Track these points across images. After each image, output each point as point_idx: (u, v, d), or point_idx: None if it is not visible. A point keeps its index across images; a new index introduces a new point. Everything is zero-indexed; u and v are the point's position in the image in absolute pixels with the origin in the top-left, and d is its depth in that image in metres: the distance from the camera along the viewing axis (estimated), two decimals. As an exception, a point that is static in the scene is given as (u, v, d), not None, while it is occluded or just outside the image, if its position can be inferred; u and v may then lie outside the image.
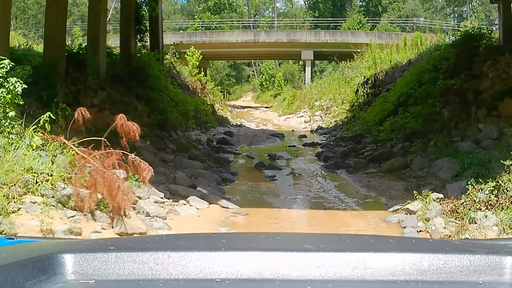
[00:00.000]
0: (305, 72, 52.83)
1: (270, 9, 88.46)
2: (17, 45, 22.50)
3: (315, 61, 57.30)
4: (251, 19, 79.60)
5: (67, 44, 18.87)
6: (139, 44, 22.53)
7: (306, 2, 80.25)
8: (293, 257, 1.84)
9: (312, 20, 68.71)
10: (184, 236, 3.30)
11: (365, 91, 28.16)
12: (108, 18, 66.10)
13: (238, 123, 33.17)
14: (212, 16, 73.29)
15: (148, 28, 23.40)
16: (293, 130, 30.76)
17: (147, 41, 24.17)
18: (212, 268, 1.79)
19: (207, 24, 66.18)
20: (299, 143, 23.83)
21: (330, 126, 30.10)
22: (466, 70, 17.17)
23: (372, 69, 32.85)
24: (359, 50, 38.87)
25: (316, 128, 30.49)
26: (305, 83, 49.65)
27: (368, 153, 17.59)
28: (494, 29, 26.20)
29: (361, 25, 63.49)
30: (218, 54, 55.68)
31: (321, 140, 24.58)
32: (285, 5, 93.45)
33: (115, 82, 18.13)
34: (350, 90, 32.95)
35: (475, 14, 77.51)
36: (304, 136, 26.28)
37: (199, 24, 67.05)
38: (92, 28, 18.41)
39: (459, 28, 40.57)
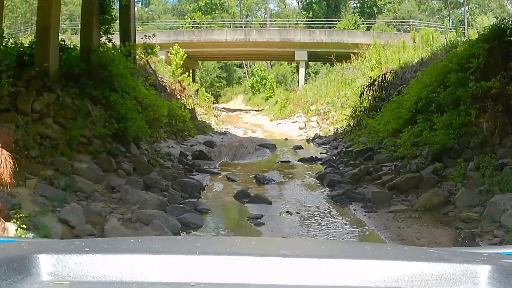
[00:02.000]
0: (298, 74, 48.60)
1: (262, 10, 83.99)
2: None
3: (309, 63, 52.69)
4: (243, 20, 75.09)
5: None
6: (104, 37, 18.11)
7: (300, 3, 76.28)
8: (268, 262, 1.77)
9: (306, 21, 64.41)
10: (160, 239, 3.48)
11: (371, 94, 23.31)
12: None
13: (223, 130, 28.20)
14: (203, 16, 69.05)
15: (114, 18, 19.08)
16: (286, 139, 25.96)
17: (114, 34, 19.44)
18: (187, 271, 1.69)
19: (198, 24, 61.69)
20: (294, 156, 18.97)
21: (329, 134, 25.32)
22: (502, 70, 13.05)
23: (377, 70, 28.17)
24: (356, 51, 34.76)
25: (313, 136, 25.63)
26: (298, 85, 45.65)
27: (387, 177, 12.89)
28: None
29: (356, 26, 60.19)
30: (207, 54, 51.47)
31: (321, 153, 19.78)
32: (278, 6, 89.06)
33: (70, 82, 14.79)
34: (351, 93, 28.24)
35: (472, 17, 73.69)
36: (300, 147, 21.34)
37: (189, 24, 62.45)
38: (41, 19, 14.80)
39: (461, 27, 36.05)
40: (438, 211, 10.03)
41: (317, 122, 29.40)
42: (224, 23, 61.68)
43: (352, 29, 54.39)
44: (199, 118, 26.53)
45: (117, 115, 15.17)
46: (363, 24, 62.12)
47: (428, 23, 60.59)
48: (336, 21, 61.20)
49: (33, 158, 11.23)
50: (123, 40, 20.32)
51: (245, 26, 62.13)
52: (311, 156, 17.84)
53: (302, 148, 21.14)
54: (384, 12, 74.78)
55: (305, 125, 29.79)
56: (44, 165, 11.23)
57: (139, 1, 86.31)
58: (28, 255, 1.72)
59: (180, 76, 32.64)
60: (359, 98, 24.83)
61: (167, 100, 21.81)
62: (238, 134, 27.52)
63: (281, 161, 17.52)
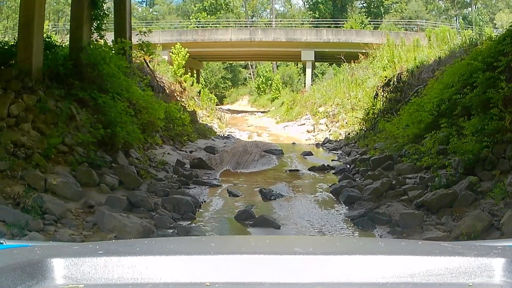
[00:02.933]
0: (305, 75, 46.46)
1: (268, 10, 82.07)
2: None
3: (315, 63, 50.71)
4: (249, 20, 73.06)
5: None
6: (95, 34, 16.19)
7: (306, 3, 74.32)
8: (282, 260, 1.75)
9: (312, 21, 62.47)
10: (174, 240, 3.48)
11: (385, 95, 21.27)
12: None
13: (227, 134, 26.07)
14: (208, 16, 67.33)
15: (107, 13, 17.13)
16: (293, 143, 23.91)
17: (106, 30, 17.68)
18: (202, 271, 1.68)
19: (203, 24, 59.76)
20: (303, 164, 16.95)
21: (340, 138, 23.31)
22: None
23: (389, 69, 26.09)
24: (364, 51, 32.71)
25: (322, 141, 23.59)
26: (305, 86, 43.72)
27: (414, 193, 10.82)
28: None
29: (363, 25, 58.45)
30: (211, 54, 49.56)
31: (332, 160, 17.76)
32: (283, 6, 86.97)
33: (55, 82, 13.24)
34: (363, 94, 26.15)
35: (480, 17, 71.69)
36: (309, 153, 19.28)
37: (194, 24, 60.54)
38: (24, 12, 13.34)
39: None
40: (482, 240, 7.99)
41: (326, 125, 27.39)
42: (229, 24, 59.70)
43: (359, 29, 52.62)
44: (200, 121, 24.51)
45: (105, 119, 13.39)
46: (370, 24, 60.21)
47: (435, 23, 58.83)
48: (342, 21, 59.40)
49: (0, 172, 9.38)
50: (118, 37, 18.58)
51: (250, 26, 60.16)
52: (323, 165, 15.79)
53: (312, 154, 19.10)
54: (391, 12, 73.38)
55: (314, 128, 27.76)
56: (12, 180, 9.36)
57: (143, 1, 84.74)
58: (41, 259, 1.68)
59: (182, 76, 30.76)
60: (372, 100, 22.87)
61: (165, 102, 19.85)
62: (243, 137, 25.51)
63: (289, 170, 15.48)
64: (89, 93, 13.71)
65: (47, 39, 14.81)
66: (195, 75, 51.70)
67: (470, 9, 76.70)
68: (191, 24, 61.52)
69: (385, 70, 26.87)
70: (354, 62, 32.82)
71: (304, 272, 1.66)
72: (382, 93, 21.42)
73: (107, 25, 18.46)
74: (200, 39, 44.90)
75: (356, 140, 20.38)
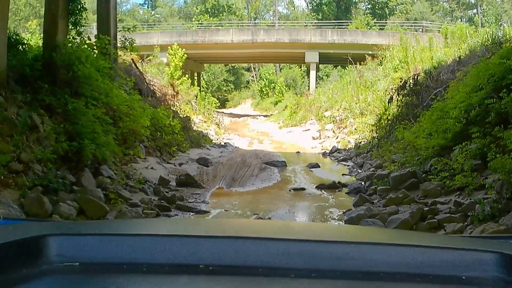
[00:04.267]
0: (309, 77, 43.91)
1: (271, 12, 79.47)
2: None
3: (320, 65, 48.21)
4: (251, 22, 70.57)
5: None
6: (73, 30, 14.07)
7: (309, 4, 71.96)
8: (277, 246, 1.71)
9: (316, 23, 60.19)
10: (169, 220, 3.90)
11: (401, 99, 18.62)
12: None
13: (224, 141, 23.30)
14: (211, 18, 65.31)
15: (85, 7, 14.88)
16: (298, 152, 21.26)
17: (84, 26, 15.61)
18: (196, 253, 1.64)
19: (205, 26, 57.28)
20: (310, 180, 14.32)
21: (349, 146, 20.63)
22: None
23: (402, 70, 23.57)
24: (371, 52, 30.65)
25: (330, 149, 20.84)
26: (309, 89, 41.41)
27: (453, 226, 8.29)
28: None
29: (369, 27, 56.93)
30: (212, 56, 47.19)
31: (343, 174, 15.15)
32: (286, 8, 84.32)
33: (21, 86, 11.23)
34: (374, 97, 23.50)
35: (485, 18, 69.53)
36: (316, 165, 16.55)
37: (196, 26, 58.08)
38: None
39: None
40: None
41: (333, 131, 24.74)
42: (231, 26, 57.15)
43: (366, 30, 50.37)
44: (195, 128, 21.84)
45: (72, 130, 10.97)
46: (375, 25, 58.61)
47: (441, 24, 56.65)
48: (347, 22, 57.42)
49: None
50: (100, 33, 16.18)
51: (252, 27, 57.60)
52: (333, 182, 13.06)
53: (319, 167, 16.40)
54: (396, 14, 71.96)
55: (320, 135, 25.08)
56: None
57: (145, 4, 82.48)
58: (37, 237, 1.65)
59: (179, 79, 28.19)
60: (384, 104, 20.23)
61: (154, 107, 17.27)
62: (242, 145, 22.84)
63: (294, 189, 12.71)
64: (59, 98, 11.38)
65: (15, 37, 12.70)
66: (195, 77, 49.61)
67: (475, 10, 74.87)
68: (193, 26, 59.04)
69: (396, 72, 24.29)
70: (360, 64, 30.28)
71: (298, 258, 1.63)
72: (397, 97, 18.71)
73: (87, 20, 16.12)
74: (200, 40, 42.59)
75: (369, 149, 17.72)
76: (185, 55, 31.09)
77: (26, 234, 1.70)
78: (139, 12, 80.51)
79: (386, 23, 61.07)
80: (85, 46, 13.83)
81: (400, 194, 10.49)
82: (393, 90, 19.40)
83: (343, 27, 51.50)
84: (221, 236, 1.79)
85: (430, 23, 55.83)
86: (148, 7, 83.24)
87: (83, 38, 14.16)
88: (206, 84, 60.83)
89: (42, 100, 11.12)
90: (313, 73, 41.79)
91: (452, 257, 1.63)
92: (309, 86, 43.47)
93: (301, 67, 58.99)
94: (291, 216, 9.95)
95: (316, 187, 12.85)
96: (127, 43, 16.70)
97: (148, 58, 27.52)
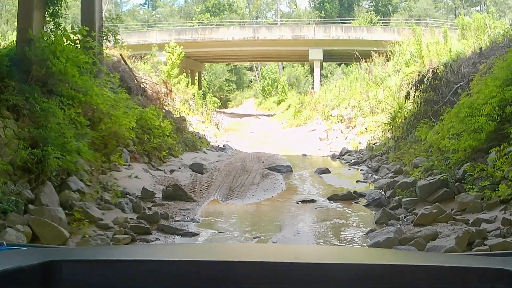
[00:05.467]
0: (312, 76, 41.79)
1: (273, 11, 77.40)
2: None
3: (323, 63, 46.06)
4: (253, 21, 68.40)
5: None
6: (51, 22, 12.65)
7: (312, 2, 70.18)
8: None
9: (318, 21, 58.04)
10: (176, 246, 3.91)
11: (418, 95, 16.49)
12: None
13: (224, 143, 21.03)
14: (212, 17, 63.27)
15: None
16: (304, 154, 19.10)
17: (65, 17, 14.20)
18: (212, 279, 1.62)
19: (206, 25, 55.23)
20: (320, 188, 12.18)
21: (360, 148, 18.47)
22: None
23: (415, 65, 21.35)
24: (376, 48, 28.82)
25: (340, 152, 18.62)
26: (313, 88, 39.58)
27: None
28: None
29: (372, 24, 54.42)
30: (213, 55, 45.07)
31: (357, 181, 12.96)
32: (288, 6, 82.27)
33: None
34: (385, 94, 21.33)
35: (489, 15, 67.64)
36: (326, 170, 14.33)
37: (197, 25, 56.05)
38: None
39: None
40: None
41: (341, 131, 22.57)
42: (233, 24, 55.06)
43: (370, 26, 48.54)
44: (191, 129, 19.65)
45: (37, 134, 8.97)
46: (379, 22, 56.71)
47: (445, 22, 54.82)
48: (349, 20, 55.47)
49: None
50: (85, 25, 14.17)
51: (254, 24, 55.55)
52: (349, 192, 10.87)
53: (329, 172, 14.18)
54: (399, 11, 70.71)
55: (327, 135, 22.91)
56: None
57: (145, 4, 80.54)
58: (42, 263, 1.59)
59: (177, 77, 26.14)
60: (398, 101, 18.14)
61: (145, 106, 15.19)
62: (243, 147, 20.63)
63: (302, 201, 10.44)
64: (27, 98, 9.58)
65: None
66: (196, 77, 47.52)
67: (478, 7, 72.98)
68: (193, 25, 57.04)
69: (408, 66, 22.13)
70: (366, 61, 28.13)
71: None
72: (415, 93, 16.55)
73: (67, 11, 14.18)
74: (200, 38, 40.64)
75: (384, 152, 15.55)
76: (183, 53, 29.05)
77: (31, 260, 1.62)
78: (139, 12, 78.63)
79: (389, 20, 59.62)
80: (62, 39, 11.84)
81: (434, 210, 8.36)
82: (410, 86, 17.22)
83: (346, 24, 49.61)
84: (216, 259, 1.79)
85: (434, 20, 53.92)
86: (148, 7, 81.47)
87: (61, 30, 12.26)
88: (207, 84, 59.03)
89: (6, 100, 9.25)
90: (317, 71, 39.80)
91: (457, 276, 1.57)
92: (313, 84, 41.65)
93: (304, 66, 57.06)
94: (300, 239, 7.76)
95: (328, 198, 10.65)
96: (110, 34, 14.57)
97: (146, 57, 25.53)
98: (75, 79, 11.64)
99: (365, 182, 12.74)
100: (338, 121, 23.94)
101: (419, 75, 17.46)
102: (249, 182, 12.06)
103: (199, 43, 40.10)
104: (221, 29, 43.09)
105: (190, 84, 29.53)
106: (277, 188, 11.78)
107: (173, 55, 28.25)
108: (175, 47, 28.84)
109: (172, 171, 12.88)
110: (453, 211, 8.60)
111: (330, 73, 54.02)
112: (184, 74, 28.43)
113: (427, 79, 16.46)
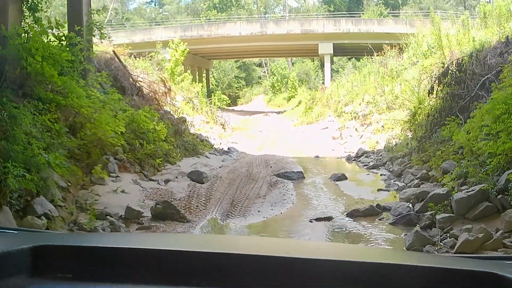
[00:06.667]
0: (323, 71, 40.09)
1: (281, 6, 75.52)
2: None
3: (333, 58, 44.36)
4: (261, 17, 66.64)
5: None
6: (30, 18, 11.20)
7: (320, -4, 68.45)
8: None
9: (328, 15, 56.31)
10: (170, 235, 3.73)
11: (441, 89, 14.64)
12: (107, 19, 54.98)
13: (229, 146, 19.11)
14: (219, 14, 61.56)
15: None
16: (317, 157, 17.22)
17: (46, 11, 12.77)
18: (189, 269, 1.55)
19: (213, 22, 53.60)
20: (337, 200, 10.35)
21: (378, 148, 16.66)
22: None
23: (433, 56, 19.46)
24: (388, 42, 26.98)
25: (356, 153, 16.74)
26: (323, 83, 37.73)
27: None
28: None
29: (382, 17, 52.29)
30: (220, 51, 43.43)
31: (379, 189, 11.09)
32: (297, 1, 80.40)
33: None
34: (402, 88, 19.49)
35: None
36: (342, 177, 12.44)
37: (205, 22, 54.42)
38: None
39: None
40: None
41: (356, 129, 20.74)
42: (240, 19, 53.31)
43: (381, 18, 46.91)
44: (193, 130, 17.86)
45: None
46: (389, 15, 55.01)
47: (455, 13, 52.99)
48: (359, 14, 54.44)
49: None
50: (72, 24, 12.87)
51: (261, 18, 53.81)
52: (371, 206, 9.03)
53: (346, 179, 12.35)
54: (409, 3, 68.49)
55: (340, 134, 21.09)
56: None
57: (152, 2, 78.98)
58: (29, 247, 1.53)
59: (181, 75, 24.45)
60: (417, 96, 16.31)
61: (139, 108, 13.46)
62: (250, 149, 18.83)
63: (316, 219, 8.59)
64: None
65: None
66: (204, 75, 45.85)
67: (488, -1, 70.98)
68: (201, 22, 55.44)
69: (427, 58, 20.26)
70: (378, 54, 26.30)
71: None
72: (439, 87, 14.69)
73: (48, 4, 12.60)
74: (206, 34, 39.01)
75: (407, 153, 13.70)
76: (187, 49, 27.30)
77: (19, 244, 1.55)
78: (146, 10, 77.03)
79: (399, 13, 57.48)
80: (40, 36, 10.28)
81: (480, 234, 6.60)
82: (432, 79, 15.38)
83: (357, 17, 47.95)
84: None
85: (444, 12, 52.11)
86: (155, 5, 79.93)
87: (41, 26, 10.69)
88: (216, 81, 57.54)
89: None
90: (327, 66, 38.15)
91: (445, 277, 1.52)
92: (323, 80, 39.95)
93: (313, 61, 55.30)
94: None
95: (347, 214, 8.84)
96: (95, 28, 12.85)
97: (150, 55, 23.88)
98: (54, 79, 10.01)
99: (388, 190, 10.94)
100: (352, 118, 22.14)
101: (443, 66, 15.60)
102: (255, 194, 10.29)
103: (205, 39, 38.54)
104: (228, 24, 41.37)
105: (196, 81, 27.80)
106: (287, 201, 9.99)
107: (176, 51, 26.53)
108: (179, 43, 27.11)
109: (167, 181, 11.13)
110: (499, 232, 6.86)
111: (341, 67, 52.22)
112: (189, 71, 26.66)
113: (451, 72, 14.60)
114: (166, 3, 77.30)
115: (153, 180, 11.03)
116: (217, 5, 65.79)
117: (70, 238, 2.11)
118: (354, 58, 47.79)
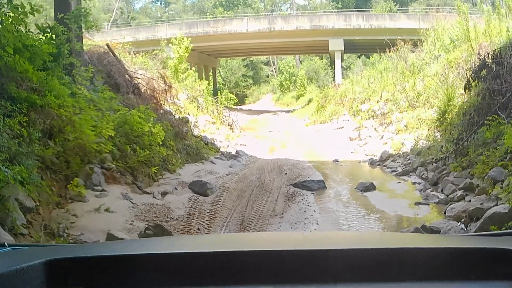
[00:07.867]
0: (332, 68, 38.38)
1: (288, 4, 73.56)
2: None
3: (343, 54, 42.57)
4: (268, 15, 64.85)
5: None
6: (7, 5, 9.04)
7: (328, -8, 66.48)
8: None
9: (336, 12, 54.50)
10: (180, 238, 3.62)
11: (476, 84, 12.65)
12: (112, 18, 53.18)
13: (237, 149, 17.10)
14: (225, 12, 59.37)
15: None
16: (336, 161, 15.27)
17: None
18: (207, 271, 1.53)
19: (219, 18, 51.76)
20: (370, 220, 8.29)
21: (403, 150, 14.69)
22: None
23: (459, 50, 17.51)
24: (400, 37, 25.37)
25: (380, 156, 14.69)
26: (334, 80, 35.80)
27: None
28: None
29: (391, 13, 49.65)
30: (226, 49, 41.58)
31: (416, 203, 9.05)
32: (304, -1, 78.42)
33: None
34: (425, 84, 17.56)
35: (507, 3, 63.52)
36: (370, 187, 10.37)
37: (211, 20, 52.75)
38: None
39: None
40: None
41: (375, 129, 18.77)
42: (248, 16, 51.48)
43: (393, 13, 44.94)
44: (197, 132, 15.93)
45: None
46: (398, 11, 52.04)
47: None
48: (367, 10, 51.71)
49: None
50: (59, 12, 11.38)
51: (269, 15, 51.90)
52: (416, 229, 7.01)
53: (374, 189, 10.38)
54: (418, 0, 64.81)
55: (358, 134, 19.10)
56: None
57: (158, 1, 77.32)
58: (41, 262, 1.52)
59: (185, 72, 22.61)
60: (446, 92, 14.36)
61: (133, 107, 11.56)
62: (260, 152, 16.92)
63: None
64: None
65: None
66: (211, 73, 44.00)
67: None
68: (207, 20, 53.71)
69: (453, 51, 18.31)
70: (390, 50, 24.59)
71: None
72: (473, 82, 12.72)
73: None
74: (212, 31, 37.17)
75: (442, 157, 11.72)
76: (191, 46, 25.49)
77: (33, 259, 1.53)
78: (151, 9, 75.35)
79: (407, 9, 55.47)
80: (12, 24, 8.49)
81: None
82: (467, 73, 13.43)
83: (367, 12, 46.16)
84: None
85: (453, 9, 50.20)
86: (161, 3, 78.25)
87: (15, 13, 8.83)
88: (223, 80, 55.78)
89: None
90: (338, 62, 36.21)
91: (460, 256, 1.50)
92: (333, 77, 38.16)
93: (322, 59, 53.64)
94: None
95: (387, 238, 6.92)
96: (80, 14, 10.96)
97: (154, 53, 22.07)
98: (29, 75, 8.19)
99: (427, 203, 8.96)
100: (370, 117, 20.16)
101: (475, 59, 13.64)
102: (269, 211, 8.35)
103: (211, 36, 36.73)
104: (235, 21, 39.50)
105: (202, 79, 25.93)
106: (309, 219, 8.02)
107: (180, 48, 24.70)
108: (182, 39, 25.27)
109: (164, 193, 9.23)
110: None
111: (352, 64, 50.34)
112: (193, 69, 24.82)
113: (488, 65, 12.63)
114: (172, 2, 75.59)
115: (148, 193, 9.13)
116: (223, 3, 64.05)
117: (80, 249, 2.04)
118: (363, 56, 46.00)
